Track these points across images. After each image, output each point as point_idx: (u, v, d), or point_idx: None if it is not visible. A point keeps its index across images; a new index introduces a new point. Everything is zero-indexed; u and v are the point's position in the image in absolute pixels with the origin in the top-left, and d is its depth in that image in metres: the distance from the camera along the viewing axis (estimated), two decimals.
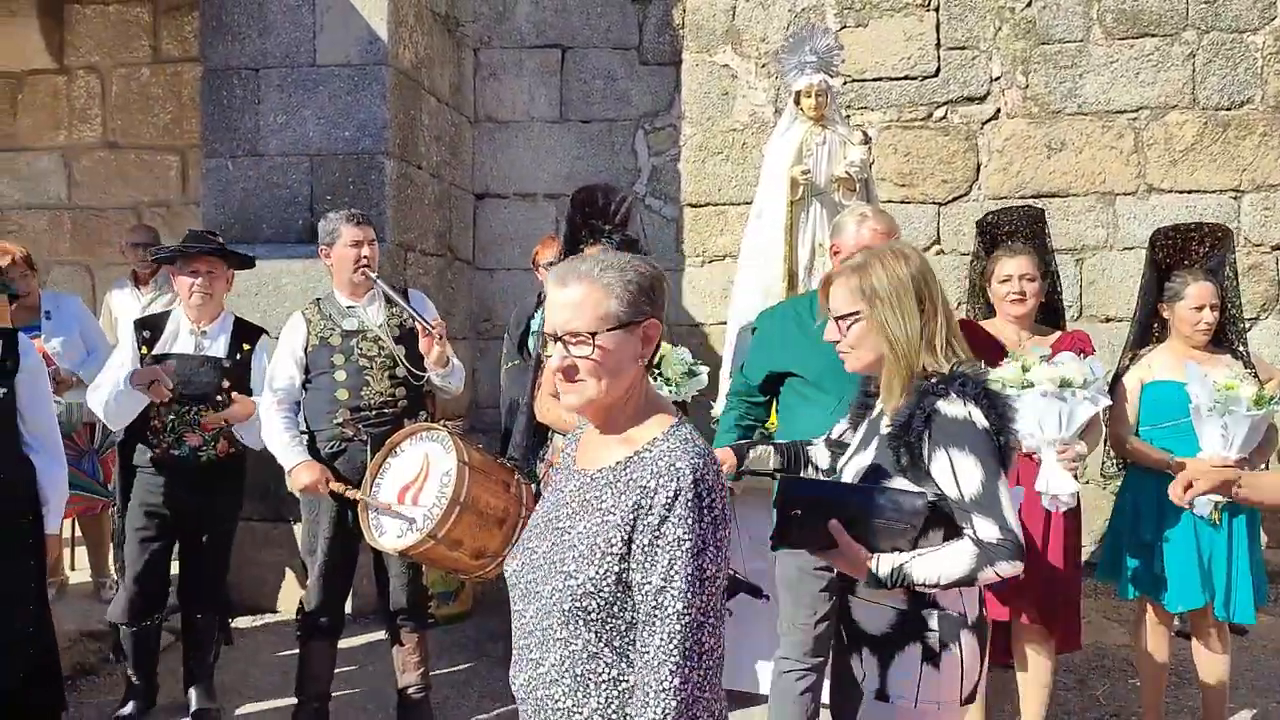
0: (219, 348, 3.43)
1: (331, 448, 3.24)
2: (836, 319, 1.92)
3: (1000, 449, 1.77)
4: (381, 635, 3.84)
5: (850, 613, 1.92)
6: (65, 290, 5.29)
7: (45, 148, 6.08)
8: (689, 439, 1.47)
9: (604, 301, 1.44)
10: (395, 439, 2.99)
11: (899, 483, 1.81)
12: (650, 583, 1.37)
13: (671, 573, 1.36)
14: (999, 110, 5.48)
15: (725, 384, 3.93)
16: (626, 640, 1.43)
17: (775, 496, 2.05)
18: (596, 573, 1.41)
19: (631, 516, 1.40)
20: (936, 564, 1.74)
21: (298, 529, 4.58)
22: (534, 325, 3.16)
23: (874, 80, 5.53)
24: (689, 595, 1.36)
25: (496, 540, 2.93)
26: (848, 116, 5.05)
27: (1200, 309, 3.12)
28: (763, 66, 5.61)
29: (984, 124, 5.49)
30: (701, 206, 5.72)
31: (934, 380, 1.80)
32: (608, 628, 1.42)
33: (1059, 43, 5.42)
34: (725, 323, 4.92)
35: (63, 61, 6.01)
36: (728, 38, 5.66)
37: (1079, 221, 5.42)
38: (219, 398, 3.37)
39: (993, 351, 2.99)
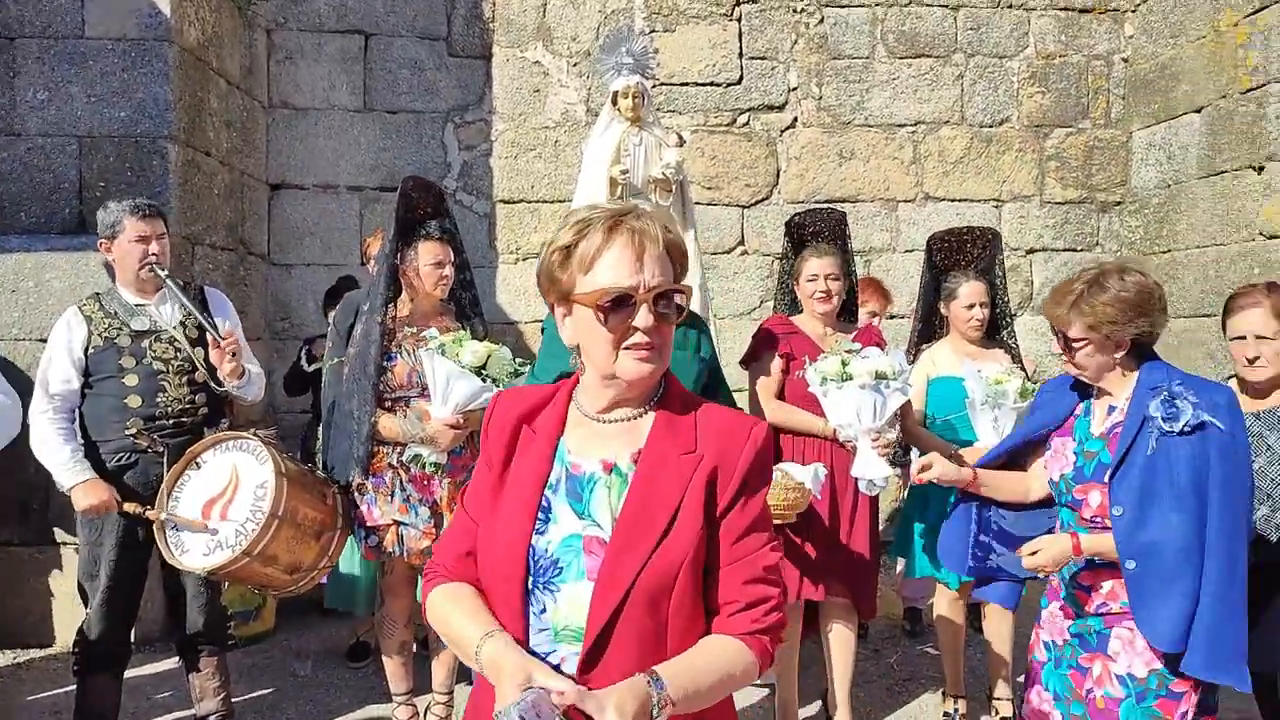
0: None
1: (120, 460, 2.92)
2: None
3: None
4: (171, 662, 3.53)
5: None
6: None
7: None
8: None
9: None
10: (196, 449, 2.75)
11: None
12: None
13: None
14: (796, 119, 5.79)
15: None
16: None
17: None
18: None
19: None
20: None
21: (66, 550, 4.12)
22: (359, 329, 2.96)
23: (681, 85, 5.69)
24: None
25: (313, 553, 2.78)
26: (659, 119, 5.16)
27: (971, 307, 3.41)
28: (574, 65, 5.62)
29: (783, 131, 5.78)
30: (515, 203, 5.66)
31: None
32: None
33: (848, 58, 5.80)
34: (539, 320, 4.88)
35: None
36: (539, 34, 5.63)
37: (867, 225, 5.83)
38: None
39: (802, 345, 3.18)
